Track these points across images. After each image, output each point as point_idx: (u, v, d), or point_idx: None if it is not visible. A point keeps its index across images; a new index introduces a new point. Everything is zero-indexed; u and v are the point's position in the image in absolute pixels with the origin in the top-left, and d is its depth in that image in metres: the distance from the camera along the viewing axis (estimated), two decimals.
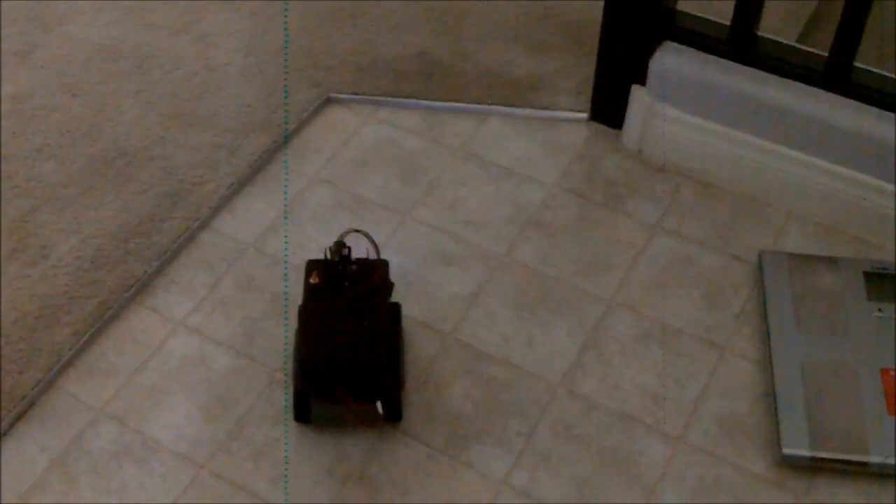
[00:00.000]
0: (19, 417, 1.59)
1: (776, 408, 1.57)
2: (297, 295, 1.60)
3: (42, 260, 1.77)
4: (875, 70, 1.74)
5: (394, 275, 1.62)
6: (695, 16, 1.83)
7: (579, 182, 1.92)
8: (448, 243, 1.82)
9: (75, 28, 2.17)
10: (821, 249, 1.82)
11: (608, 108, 1.98)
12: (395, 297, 1.64)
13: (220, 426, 1.59)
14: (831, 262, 1.75)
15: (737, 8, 1.75)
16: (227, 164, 1.91)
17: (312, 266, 1.58)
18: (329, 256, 1.55)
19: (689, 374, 1.65)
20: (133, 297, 1.73)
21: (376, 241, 1.59)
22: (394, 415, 1.60)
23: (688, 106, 1.87)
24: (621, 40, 1.88)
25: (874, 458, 1.51)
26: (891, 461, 1.51)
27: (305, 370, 1.55)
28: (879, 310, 1.67)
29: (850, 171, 1.79)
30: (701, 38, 1.81)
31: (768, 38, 1.79)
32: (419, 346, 1.68)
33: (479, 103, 2.04)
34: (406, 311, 1.70)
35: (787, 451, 1.52)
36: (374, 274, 1.57)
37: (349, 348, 1.52)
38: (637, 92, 1.91)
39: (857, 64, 1.73)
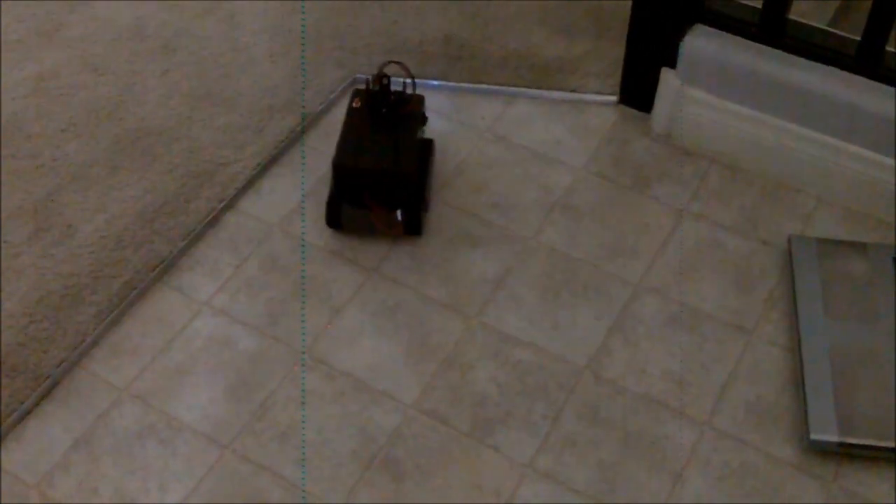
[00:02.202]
0: (43, 397, 1.59)
1: (804, 393, 1.55)
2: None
3: (67, 239, 1.77)
4: None
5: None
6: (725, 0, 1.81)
7: (607, 165, 1.91)
8: (474, 226, 1.81)
9: (101, 8, 2.17)
10: (849, 234, 1.80)
11: (637, 92, 1.97)
12: None
13: (244, 407, 1.58)
14: (860, 247, 1.73)
15: None
16: (253, 145, 1.91)
17: (356, 93, 1.78)
18: (370, 86, 1.73)
19: (716, 359, 1.64)
20: (158, 278, 1.73)
21: None
22: (413, 228, 1.74)
23: (717, 90, 1.85)
24: (651, 23, 1.86)
25: None
26: None
27: (337, 174, 1.72)
28: None
29: (880, 156, 1.77)
30: (732, 21, 1.79)
31: (799, 22, 1.77)
32: (444, 328, 1.68)
33: (506, 85, 2.03)
34: (431, 293, 1.70)
35: (815, 436, 1.51)
36: (410, 103, 1.77)
37: (378, 157, 1.71)
38: (666, 75, 1.89)
39: (889, 48, 1.70)
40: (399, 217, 1.73)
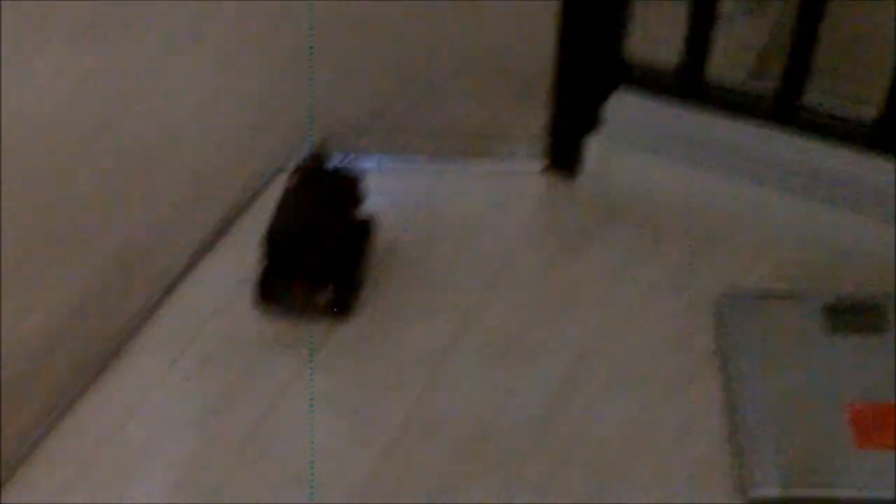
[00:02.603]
0: None
1: (743, 449, 1.56)
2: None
3: None
4: (823, 104, 1.76)
5: None
6: (645, 61, 1.85)
7: (539, 232, 1.93)
8: (411, 302, 1.81)
9: (28, 96, 2.16)
10: (781, 284, 1.82)
11: (564, 157, 1.99)
12: None
13: None
14: (791, 297, 1.75)
15: (686, 48, 1.77)
16: (188, 230, 1.90)
17: (294, 171, 1.79)
18: (306, 163, 1.77)
19: (656, 420, 1.64)
20: (87, 383, 1.69)
21: None
22: (342, 306, 1.74)
23: (643, 149, 1.88)
24: (574, 89, 1.89)
25: (845, 493, 1.50)
26: (861, 494, 1.50)
27: (269, 251, 1.73)
28: (842, 342, 1.67)
29: (806, 204, 1.80)
30: (651, 81, 1.83)
31: (718, 79, 1.81)
32: (386, 409, 1.67)
33: (436, 158, 2.05)
34: (371, 374, 1.70)
35: (755, 492, 1.51)
36: (347, 180, 1.79)
37: (310, 234, 1.73)
38: (592, 139, 1.92)
39: (807, 98, 1.74)
40: (331, 295, 1.73)
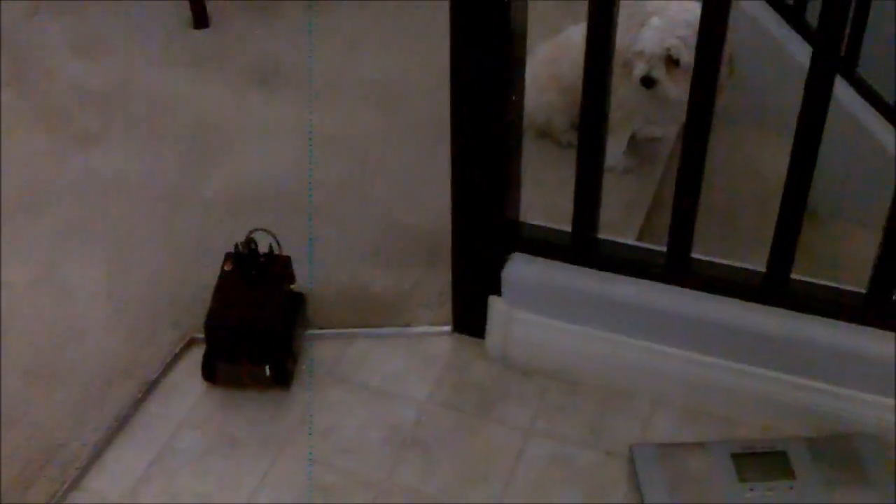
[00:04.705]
0: None
1: None
2: None
3: None
4: (711, 259, 1.84)
5: None
6: (539, 226, 1.92)
7: (450, 394, 1.95)
8: (324, 475, 1.81)
9: None
10: (688, 434, 1.87)
11: (469, 319, 2.03)
12: None
13: None
14: (699, 447, 1.80)
15: (576, 214, 1.84)
16: (94, 419, 1.88)
17: (227, 256, 1.95)
18: (240, 249, 1.92)
19: None
20: None
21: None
22: (281, 379, 1.91)
23: (543, 310, 1.93)
24: (472, 254, 1.95)
25: None
26: None
27: (210, 331, 1.90)
28: (751, 489, 1.72)
29: (702, 356, 1.87)
30: (546, 246, 1.89)
31: (608, 240, 1.88)
32: None
33: (341, 327, 2.07)
34: None
35: None
36: (278, 264, 1.95)
37: (247, 315, 1.90)
38: (494, 301, 1.97)
39: (695, 255, 1.82)
40: (267, 371, 1.90)
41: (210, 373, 1.93)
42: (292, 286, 1.99)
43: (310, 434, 1.86)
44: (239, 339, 1.90)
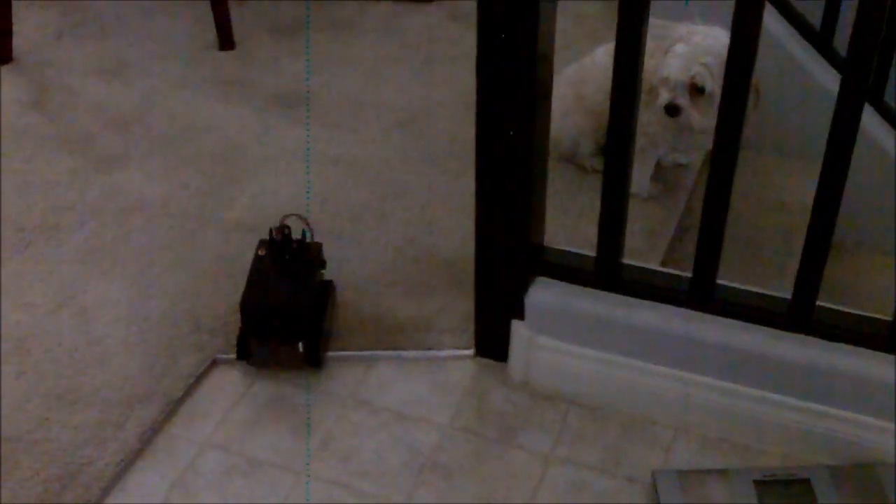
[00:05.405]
0: None
1: None
2: None
3: None
4: (736, 285, 1.83)
5: None
6: (562, 250, 1.92)
7: (471, 419, 1.94)
8: (346, 497, 1.81)
9: None
10: (710, 461, 1.86)
11: (491, 343, 2.03)
12: None
13: None
14: (721, 474, 1.79)
15: (600, 239, 1.84)
16: (115, 440, 1.88)
17: (261, 243, 2.03)
18: (274, 235, 1.98)
19: None
20: None
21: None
22: (313, 359, 1.98)
23: (566, 336, 1.93)
24: (495, 279, 1.95)
25: None
26: None
27: (245, 309, 1.96)
28: None
29: (726, 384, 1.86)
30: (570, 271, 1.89)
31: (632, 265, 1.88)
32: None
33: (364, 350, 2.07)
34: None
35: None
36: (309, 250, 2.01)
37: (281, 295, 1.96)
38: (517, 326, 1.97)
39: (721, 282, 1.82)
40: (301, 349, 1.96)
41: (243, 351, 2.00)
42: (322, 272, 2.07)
43: (307, 449, 1.88)
44: (273, 318, 1.96)
